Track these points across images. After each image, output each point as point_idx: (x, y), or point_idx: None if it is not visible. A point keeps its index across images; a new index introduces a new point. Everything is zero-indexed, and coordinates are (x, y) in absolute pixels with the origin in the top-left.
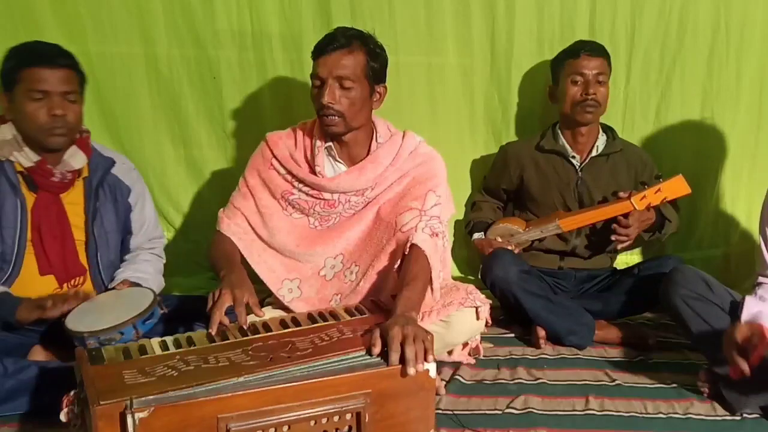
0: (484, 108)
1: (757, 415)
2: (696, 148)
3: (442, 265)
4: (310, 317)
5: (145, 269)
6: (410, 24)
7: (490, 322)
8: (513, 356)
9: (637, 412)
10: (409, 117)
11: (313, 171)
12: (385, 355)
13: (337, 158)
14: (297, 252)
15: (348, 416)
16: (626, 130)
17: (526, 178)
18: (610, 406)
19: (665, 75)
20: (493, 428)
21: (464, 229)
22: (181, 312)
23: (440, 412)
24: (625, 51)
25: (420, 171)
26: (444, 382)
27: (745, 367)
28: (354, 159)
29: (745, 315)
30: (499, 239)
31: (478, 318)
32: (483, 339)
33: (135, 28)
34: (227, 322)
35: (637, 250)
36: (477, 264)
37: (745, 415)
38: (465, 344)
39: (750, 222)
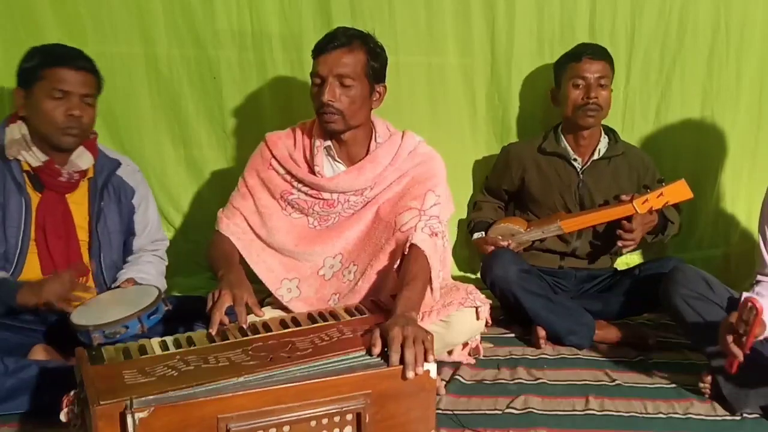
0: (485, 108)
1: (757, 415)
2: (696, 148)
3: (442, 265)
4: (310, 317)
5: (148, 270)
6: (410, 24)
7: (490, 322)
8: (513, 356)
9: (637, 412)
10: (409, 117)
11: (312, 171)
12: (385, 355)
13: (336, 158)
14: (296, 252)
15: (348, 416)
16: (626, 130)
17: (528, 179)
18: (610, 406)
19: (665, 75)
20: (493, 428)
21: (466, 228)
22: (181, 312)
23: (440, 412)
24: (625, 51)
25: (419, 171)
26: (444, 382)
27: (738, 353)
28: (353, 159)
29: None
30: (500, 239)
31: (478, 318)
32: (483, 339)
33: (135, 28)
34: (227, 322)
35: (638, 251)
36: (477, 263)
37: (745, 415)
38: (465, 344)
39: (750, 222)
